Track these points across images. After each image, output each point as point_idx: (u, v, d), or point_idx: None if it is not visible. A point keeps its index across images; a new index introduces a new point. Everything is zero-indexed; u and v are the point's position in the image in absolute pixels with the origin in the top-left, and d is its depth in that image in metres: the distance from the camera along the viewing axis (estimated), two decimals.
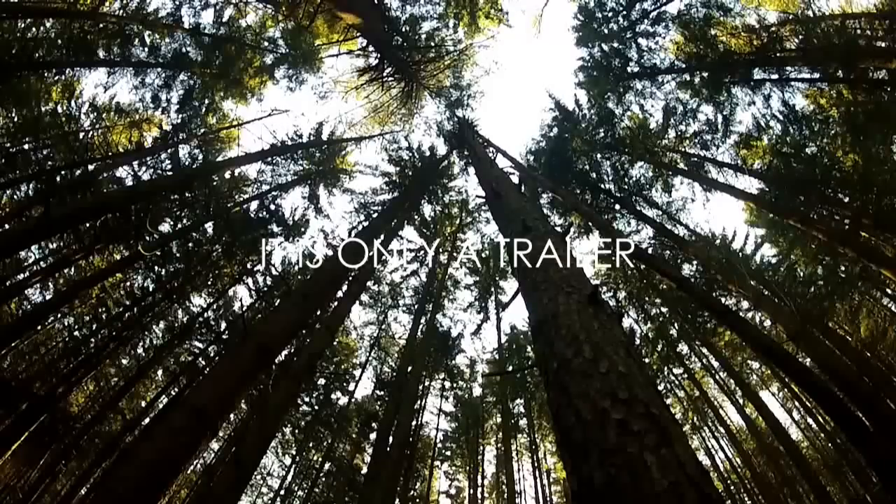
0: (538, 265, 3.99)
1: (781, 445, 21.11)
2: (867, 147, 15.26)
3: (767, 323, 19.97)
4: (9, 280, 18.77)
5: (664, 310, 25.90)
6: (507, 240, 5.29)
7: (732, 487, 29.54)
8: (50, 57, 18.44)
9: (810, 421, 30.98)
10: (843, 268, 18.49)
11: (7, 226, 16.55)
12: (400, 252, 25.69)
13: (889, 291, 21.53)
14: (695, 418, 29.85)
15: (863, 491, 22.79)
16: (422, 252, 26.49)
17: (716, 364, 27.84)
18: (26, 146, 17.97)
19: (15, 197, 18.06)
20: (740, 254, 20.87)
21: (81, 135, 19.95)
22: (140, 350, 23.50)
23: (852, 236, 14.75)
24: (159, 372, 25.88)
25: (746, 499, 28.50)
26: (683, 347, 27.72)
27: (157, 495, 5.12)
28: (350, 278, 15.60)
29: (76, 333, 22.06)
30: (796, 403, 31.02)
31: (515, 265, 4.64)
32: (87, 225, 17.17)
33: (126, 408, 24.03)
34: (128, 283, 22.13)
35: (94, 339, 21.04)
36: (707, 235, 21.36)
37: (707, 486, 1.93)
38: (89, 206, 13.63)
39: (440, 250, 27.16)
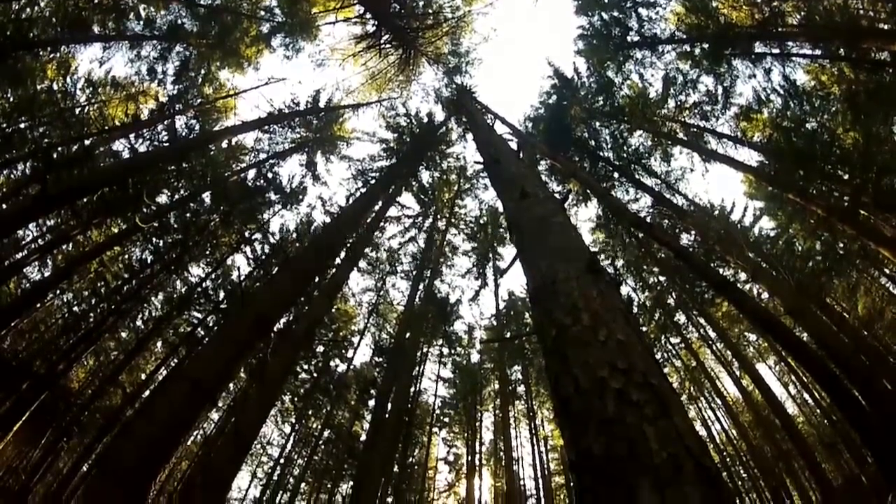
0: (537, 231, 3.92)
1: (777, 419, 21.30)
2: (868, 126, 15.09)
3: (765, 296, 20.03)
4: (7, 260, 18.77)
5: (662, 279, 25.97)
6: (506, 206, 5.22)
7: (728, 460, 29.85)
8: (45, 36, 18.22)
9: (806, 396, 31.27)
10: (841, 245, 18.55)
11: (4, 206, 16.46)
12: (398, 218, 25.59)
13: (887, 272, 21.65)
14: (691, 388, 30.09)
15: (858, 470, 22.93)
16: (420, 218, 26.42)
17: (713, 335, 28.00)
18: (22, 125, 17.82)
19: (12, 176, 17.95)
20: (739, 225, 20.95)
21: (77, 110, 19.81)
22: (139, 322, 23.69)
23: (851, 214, 14.73)
24: (159, 344, 26.05)
25: (742, 471, 28.82)
26: (681, 317, 27.86)
27: (157, 469, 5.11)
28: (348, 245, 15.56)
29: (75, 309, 22.20)
30: (793, 378, 31.24)
31: (514, 231, 4.57)
32: (85, 200, 17.10)
33: (126, 381, 24.15)
34: (126, 256, 22.25)
35: (93, 313, 21.16)
36: (706, 206, 21.40)
37: (705, 459, 1.89)
38: (86, 181, 13.57)
39: (438, 217, 27.10)
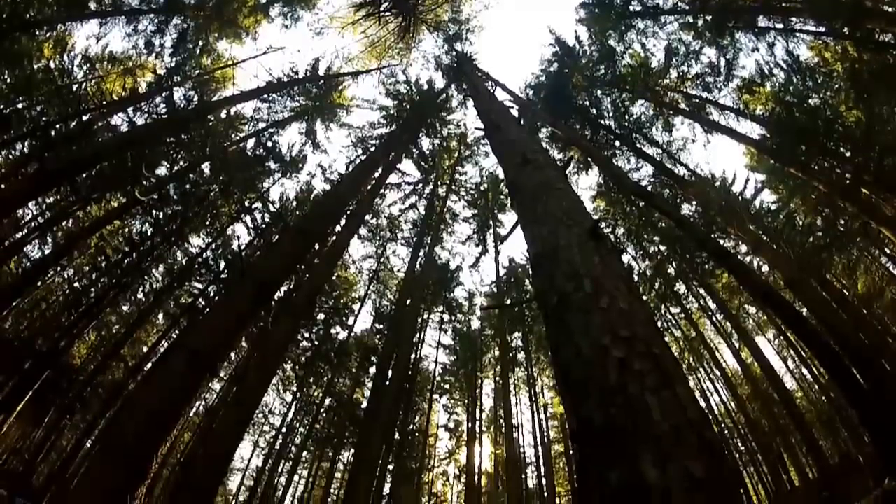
0: (538, 197, 3.84)
1: (776, 393, 21.42)
2: (871, 105, 15.09)
3: (765, 268, 20.01)
4: (7, 240, 18.81)
5: (662, 248, 25.90)
6: (507, 172, 5.15)
7: (726, 432, 30.03)
8: (41, 15, 18.03)
9: (805, 372, 31.34)
10: (842, 222, 18.70)
11: (3, 185, 16.36)
12: (398, 185, 25.52)
13: (888, 251, 21.63)
14: (691, 359, 30.18)
15: (855, 450, 23.08)
16: (420, 185, 26.32)
17: (713, 306, 28.02)
18: (20, 105, 17.73)
19: (10, 157, 17.84)
20: (740, 197, 20.88)
21: (75, 87, 19.63)
22: (140, 295, 23.79)
23: (853, 191, 14.85)
24: (160, 316, 26.16)
25: (740, 444, 28.98)
26: (681, 287, 27.86)
27: (159, 442, 5.10)
28: (348, 212, 15.50)
29: (76, 285, 22.38)
30: (791, 352, 31.30)
31: (515, 197, 4.51)
32: (84, 176, 17.12)
33: (128, 354, 24.34)
34: (126, 230, 22.14)
35: (94, 288, 21.26)
36: (707, 177, 21.33)
37: (707, 431, 1.86)
38: (85, 156, 13.42)
39: (439, 183, 26.99)
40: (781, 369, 32.07)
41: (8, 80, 17.80)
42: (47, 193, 18.20)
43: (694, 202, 19.62)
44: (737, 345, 28.73)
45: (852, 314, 15.67)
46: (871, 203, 14.92)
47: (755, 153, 22.42)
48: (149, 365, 22.19)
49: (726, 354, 31.44)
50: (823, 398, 28.52)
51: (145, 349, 25.00)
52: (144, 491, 5.18)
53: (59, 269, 22.48)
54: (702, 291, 27.41)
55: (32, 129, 17.06)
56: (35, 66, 18.59)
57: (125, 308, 25.83)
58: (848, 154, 16.02)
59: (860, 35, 15.68)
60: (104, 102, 19.14)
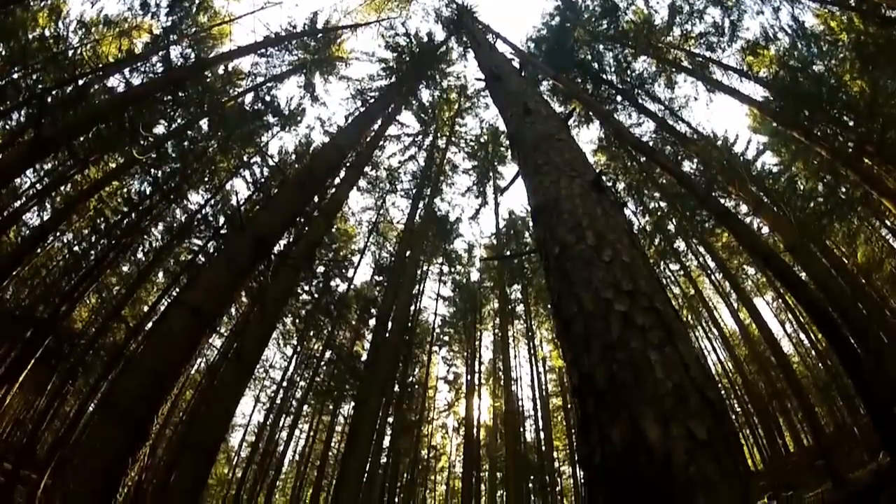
0: (540, 148, 3.74)
1: (773, 356, 21.49)
2: (875, 78, 15.02)
3: (765, 230, 19.96)
4: (5, 210, 18.76)
5: (663, 204, 25.82)
6: (508, 123, 5.04)
7: (723, 392, 30.16)
8: None
9: (802, 337, 31.54)
10: (843, 189, 18.70)
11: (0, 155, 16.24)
12: (398, 137, 25.31)
13: (889, 224, 21.61)
14: (689, 317, 30.27)
15: (850, 421, 23.25)
16: (420, 137, 26.10)
17: (712, 264, 28.06)
18: (16, 76, 17.41)
19: (7, 127, 17.61)
20: (741, 158, 20.75)
21: (70, 52, 19.32)
22: (140, 255, 23.83)
23: (855, 160, 14.79)
24: (160, 274, 26.23)
25: (736, 406, 29.27)
26: (680, 244, 27.87)
27: (159, 402, 5.08)
28: (347, 164, 15.40)
29: (76, 249, 22.27)
30: (790, 316, 31.41)
31: (516, 148, 4.41)
32: (81, 139, 16.88)
33: (129, 315, 24.42)
34: (125, 190, 22.17)
35: (93, 251, 21.19)
36: (709, 135, 21.11)
37: (710, 391, 1.83)
38: (81, 120, 13.35)
39: (438, 135, 26.78)
40: (779, 332, 32.30)
41: (3, 53, 17.52)
42: (44, 160, 18.17)
43: (695, 160, 19.47)
44: (735, 305, 28.84)
45: (851, 283, 15.66)
46: (872, 174, 14.90)
47: (758, 115, 22.11)
48: (150, 324, 22.26)
49: (724, 314, 31.69)
50: (820, 365, 28.69)
51: (146, 308, 25.04)
52: (147, 451, 5.20)
53: (58, 234, 22.37)
54: (701, 249, 27.39)
55: (28, 98, 16.78)
56: (30, 36, 18.24)
57: (125, 269, 25.89)
58: (851, 123, 15.95)
59: (866, 8, 15.59)
60: (100, 66, 18.88)
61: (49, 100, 16.36)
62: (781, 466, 21.81)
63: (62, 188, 20.41)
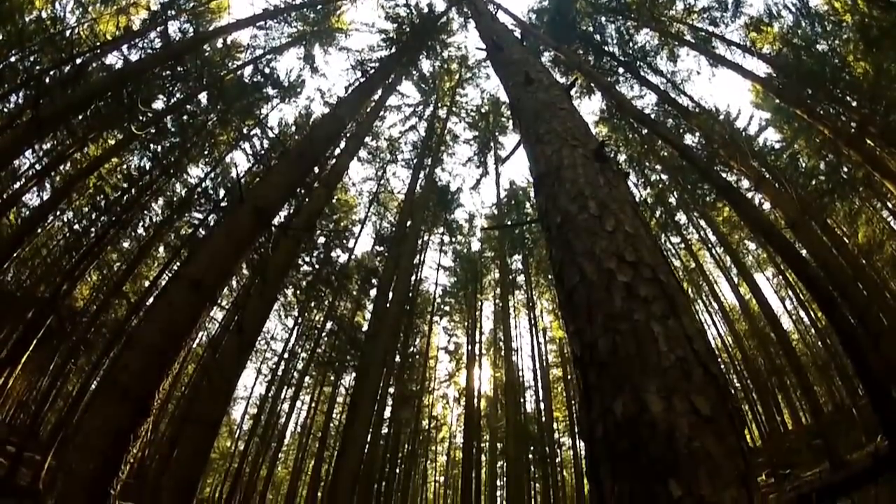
0: (541, 117, 3.68)
1: (773, 333, 21.45)
2: (879, 60, 14.97)
3: (767, 206, 19.87)
4: (5, 192, 18.76)
5: (664, 177, 25.78)
6: (509, 91, 4.97)
7: (723, 367, 30.21)
8: None
9: (802, 314, 31.56)
10: (845, 169, 18.66)
11: None
12: (398, 107, 25.18)
13: (890, 206, 21.56)
14: (690, 290, 30.22)
15: (849, 401, 23.28)
16: (420, 107, 25.96)
17: (713, 238, 27.96)
18: (13, 59, 17.23)
19: (5, 110, 17.46)
20: (743, 133, 20.70)
21: (68, 33, 19.07)
22: (140, 230, 23.88)
23: (858, 141, 14.72)
24: (161, 248, 26.27)
25: (735, 381, 29.32)
26: (682, 217, 27.87)
27: (160, 377, 5.06)
28: (348, 135, 15.35)
29: (76, 227, 22.33)
30: (790, 293, 31.41)
31: (517, 117, 4.36)
32: (80, 118, 16.99)
33: (130, 291, 24.45)
34: (124, 166, 22.26)
35: (94, 228, 21.36)
36: (711, 109, 21.05)
37: (713, 366, 1.81)
38: (79, 98, 13.32)
39: (439, 105, 26.61)
40: (779, 309, 32.24)
41: (0, 38, 17.33)
42: (43, 140, 18.04)
43: (697, 133, 19.50)
44: (735, 280, 28.75)
45: (852, 264, 15.68)
46: (875, 155, 14.87)
47: (760, 91, 22.18)
48: (151, 300, 22.31)
49: (725, 288, 31.59)
50: (819, 343, 28.75)
51: (147, 284, 25.08)
52: (150, 426, 5.20)
53: (58, 213, 22.39)
54: (702, 223, 27.34)
55: (26, 80, 16.69)
56: (27, 19, 18.00)
57: (126, 245, 25.87)
58: (854, 104, 15.94)
59: None
60: (98, 44, 18.71)
61: (47, 80, 16.29)
62: (779, 444, 21.86)
63: (61, 167, 20.33)
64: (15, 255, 20.02)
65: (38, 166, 19.72)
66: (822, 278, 8.94)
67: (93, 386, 21.27)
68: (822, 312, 11.03)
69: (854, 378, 21.02)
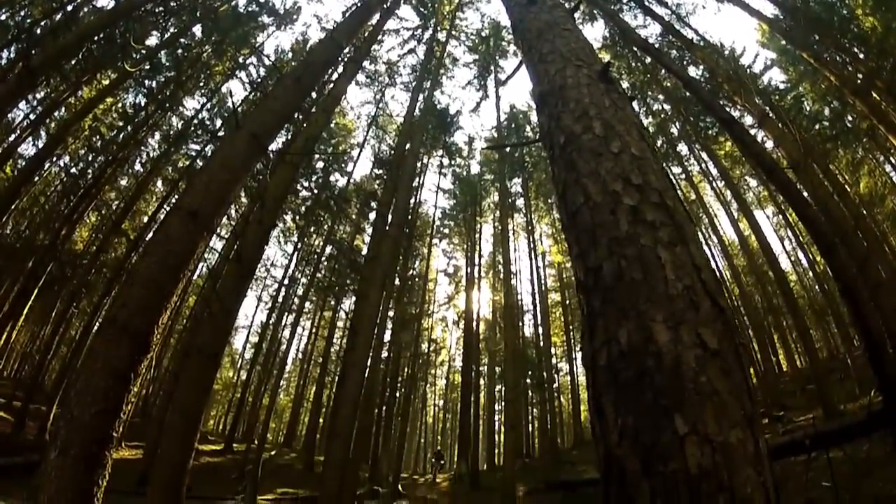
0: (544, 37, 3.54)
1: (771, 272, 21.45)
2: (888, 17, 14.91)
3: (769, 145, 19.67)
4: (0, 145, 18.66)
5: (667, 107, 25.42)
6: (510, 11, 4.77)
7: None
8: None
9: (801, 256, 31.66)
10: (850, 118, 18.71)
11: None
12: (397, 31, 24.55)
13: (893, 160, 21.44)
14: None
15: (844, 349, 23.43)
16: (419, 31, 25.27)
17: (714, 172, 27.85)
18: (3, 16, 16.69)
19: None
20: (748, 70, 20.49)
21: None
22: (137, 166, 24.17)
23: (864, 92, 14.75)
24: (159, 183, 26.30)
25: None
26: (683, 148, 27.75)
27: (160, 311, 5.00)
28: (345, 59, 15.06)
29: (73, 170, 22.15)
30: (789, 233, 31.47)
31: (519, 37, 4.19)
32: (73, 62, 16.92)
33: (129, 228, 24.49)
34: (119, 105, 22.09)
35: (90, 169, 21.31)
36: (716, 44, 20.53)
37: (721, 299, 1.74)
38: (70, 43, 13.17)
39: (439, 28, 25.89)
40: (778, 249, 32.48)
41: None
42: (35, 89, 17.86)
43: (701, 67, 19.18)
44: (735, 215, 28.75)
45: (853, 213, 15.60)
46: (881, 108, 14.80)
47: (767, 30, 21.72)
48: (149, 235, 22.31)
49: (724, 223, 31.67)
50: (817, 287, 28.93)
51: (146, 220, 25.10)
52: (153, 363, 5.19)
53: (54, 159, 22.15)
54: (704, 156, 27.16)
55: (17, 34, 16.22)
56: None
57: (123, 182, 25.96)
58: (861, 56, 15.84)
59: None
60: None
61: (38, 31, 16.09)
62: (774, 384, 22.18)
63: (56, 113, 20.24)
64: (13, 206, 19.92)
65: (31, 116, 19.64)
66: (824, 223, 8.86)
67: (95, 327, 21.49)
68: (822, 257, 11.03)
69: (850, 327, 21.27)
